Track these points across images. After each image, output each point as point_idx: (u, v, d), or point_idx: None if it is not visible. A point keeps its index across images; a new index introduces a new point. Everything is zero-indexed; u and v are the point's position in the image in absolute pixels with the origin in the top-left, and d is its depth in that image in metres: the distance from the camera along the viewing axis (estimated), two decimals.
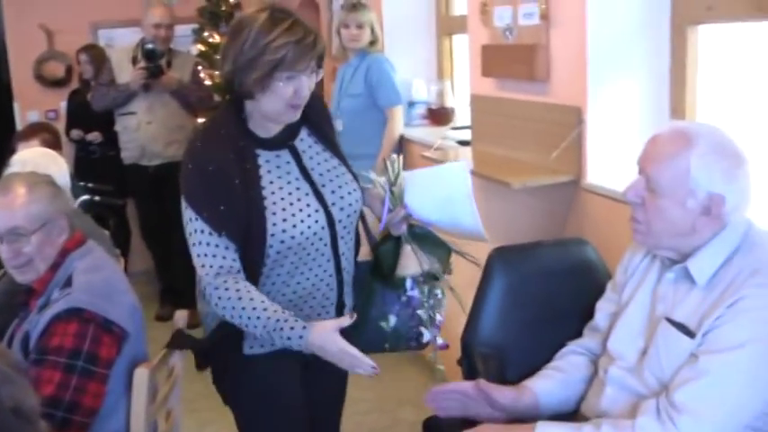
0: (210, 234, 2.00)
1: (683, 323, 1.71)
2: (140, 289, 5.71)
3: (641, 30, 2.69)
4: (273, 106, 2.03)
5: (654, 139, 1.77)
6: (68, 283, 2.22)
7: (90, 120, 5.61)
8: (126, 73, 5.10)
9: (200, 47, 5.82)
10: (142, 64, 4.99)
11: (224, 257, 2.01)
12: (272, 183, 2.07)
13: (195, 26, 5.98)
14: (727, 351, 1.61)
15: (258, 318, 1.96)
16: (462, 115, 4.30)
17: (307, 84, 2.02)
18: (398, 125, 4.28)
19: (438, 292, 2.19)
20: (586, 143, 2.73)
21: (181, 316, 2.49)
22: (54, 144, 4.13)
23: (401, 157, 2.26)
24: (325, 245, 2.11)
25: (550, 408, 1.96)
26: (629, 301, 1.88)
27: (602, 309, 2.02)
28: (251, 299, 1.97)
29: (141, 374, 2.17)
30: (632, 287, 1.91)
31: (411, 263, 2.14)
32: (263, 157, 2.09)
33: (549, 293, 2.13)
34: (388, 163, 2.18)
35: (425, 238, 2.19)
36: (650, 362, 1.76)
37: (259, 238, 2.02)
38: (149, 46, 4.97)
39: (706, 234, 1.72)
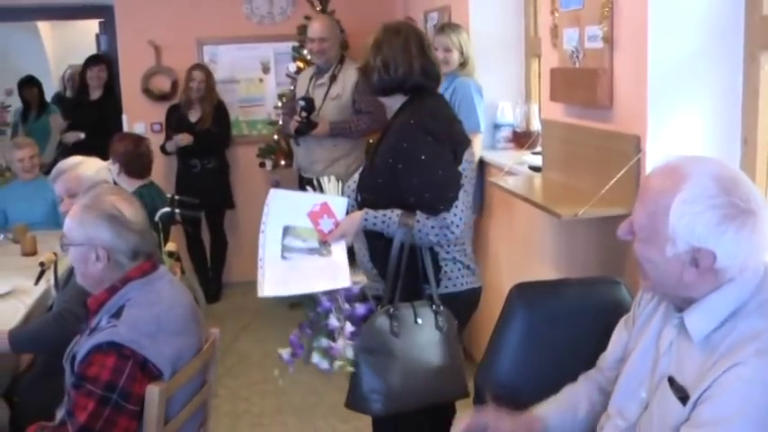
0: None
1: (683, 386, 1.52)
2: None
3: (708, 56, 2.50)
4: None
5: (648, 175, 1.57)
6: (118, 313, 2.20)
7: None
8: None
9: (299, 64, 5.90)
10: (298, 117, 4.90)
11: None
12: None
13: (295, 44, 6.07)
14: (710, 426, 1.40)
15: None
16: None
17: None
18: (474, 153, 4.14)
19: None
20: (644, 174, 2.56)
21: None
22: (141, 153, 4.27)
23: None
24: None
25: None
26: (634, 349, 1.70)
27: (615, 342, 1.85)
28: None
29: (152, 392, 2.13)
30: (639, 328, 1.73)
31: None
32: None
33: (574, 336, 1.97)
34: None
35: None
36: (646, 422, 1.59)
37: None
38: (302, 102, 4.90)
39: (702, 288, 1.50)
